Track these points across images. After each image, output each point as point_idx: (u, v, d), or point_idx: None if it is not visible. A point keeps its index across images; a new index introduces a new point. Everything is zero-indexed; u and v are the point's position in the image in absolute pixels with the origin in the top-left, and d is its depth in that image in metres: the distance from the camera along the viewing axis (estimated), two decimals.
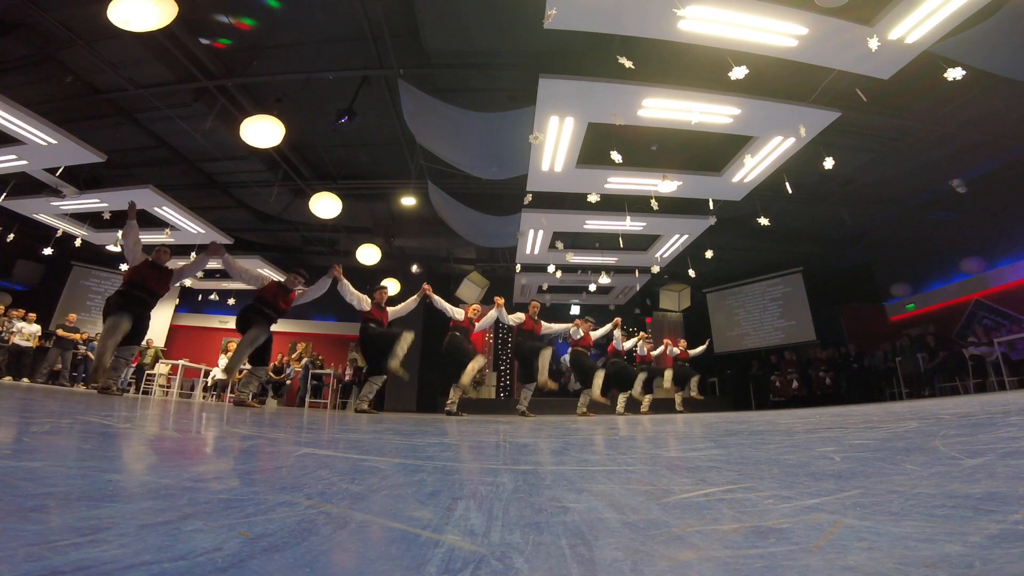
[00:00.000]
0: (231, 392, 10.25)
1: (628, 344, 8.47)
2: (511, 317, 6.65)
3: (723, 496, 0.77)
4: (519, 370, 7.54)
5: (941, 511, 0.62)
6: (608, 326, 7.89)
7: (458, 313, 6.31)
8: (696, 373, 9.34)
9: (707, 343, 10.43)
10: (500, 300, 6.44)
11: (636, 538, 0.55)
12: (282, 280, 5.46)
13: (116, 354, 4.74)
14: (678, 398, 9.19)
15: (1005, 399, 3.93)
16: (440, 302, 6.18)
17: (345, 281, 5.55)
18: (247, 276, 5.37)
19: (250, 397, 5.34)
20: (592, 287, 11.85)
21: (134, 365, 10.84)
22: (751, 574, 0.43)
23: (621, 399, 8.09)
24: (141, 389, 10.76)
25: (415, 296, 6.07)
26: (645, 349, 9.05)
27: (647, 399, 8.73)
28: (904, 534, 0.53)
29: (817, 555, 0.48)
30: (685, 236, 9.14)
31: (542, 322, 6.91)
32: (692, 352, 9.74)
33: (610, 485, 0.91)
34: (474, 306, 6.70)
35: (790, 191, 6.89)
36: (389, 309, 5.88)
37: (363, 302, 5.64)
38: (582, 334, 7.33)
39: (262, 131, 5.84)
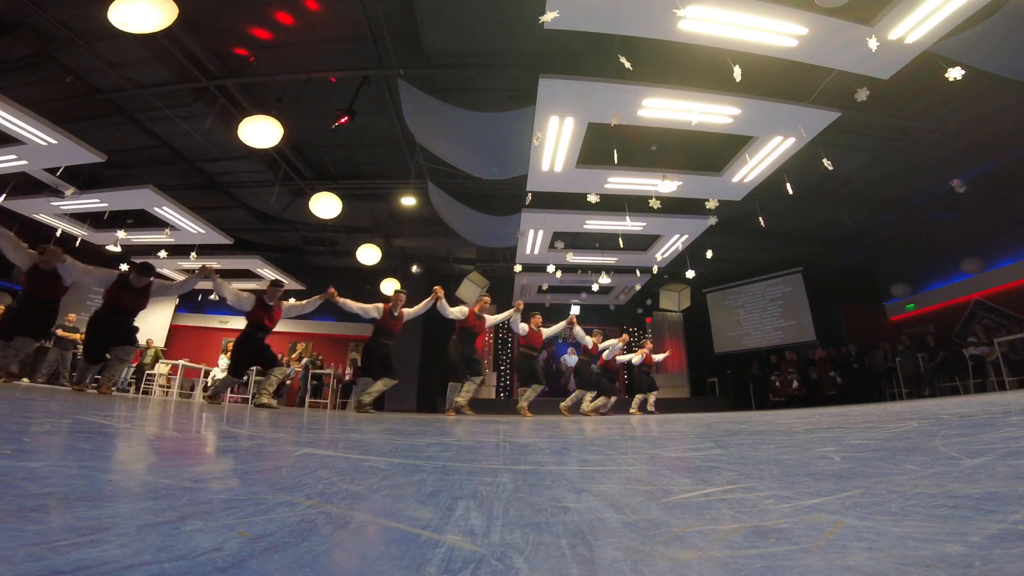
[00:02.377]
0: (231, 392, 10.25)
1: (603, 345, 8.03)
2: (453, 310, 6.26)
3: (723, 496, 0.77)
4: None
5: (941, 511, 0.62)
6: (562, 323, 7.26)
7: (460, 312, 6.22)
8: (656, 388, 8.84)
9: (667, 353, 10.06)
10: (439, 289, 6.05)
11: (636, 538, 0.55)
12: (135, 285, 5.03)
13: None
14: (635, 406, 8.62)
15: (1005, 399, 3.93)
16: (445, 306, 6.17)
17: (342, 300, 5.56)
18: (98, 279, 5.13)
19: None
20: (592, 287, 11.85)
21: (135, 365, 10.86)
22: (751, 574, 0.43)
23: (588, 401, 7.75)
24: (141, 389, 10.76)
25: (427, 301, 6.05)
26: (616, 353, 8.33)
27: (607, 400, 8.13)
28: (904, 534, 0.53)
29: (817, 555, 0.48)
30: (685, 236, 9.14)
31: (486, 316, 6.56)
32: (656, 358, 9.17)
33: (610, 485, 0.91)
34: (484, 301, 6.51)
35: (790, 191, 6.89)
36: (404, 311, 5.88)
37: (370, 311, 5.70)
38: (525, 330, 6.84)
39: (260, 131, 5.84)
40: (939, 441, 1.40)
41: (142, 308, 5.19)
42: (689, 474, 1.05)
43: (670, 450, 1.63)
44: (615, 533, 0.57)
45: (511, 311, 6.68)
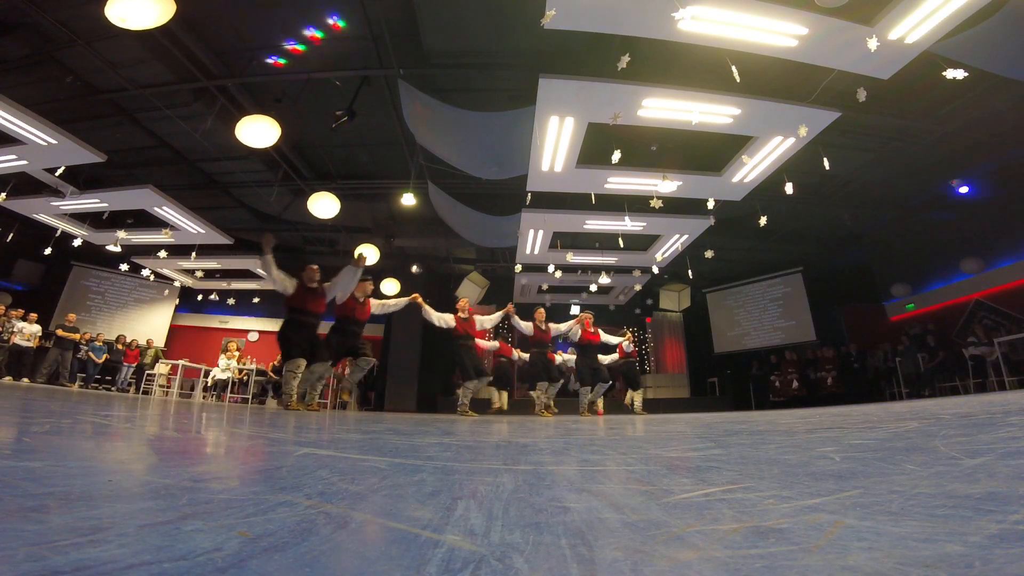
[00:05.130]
0: (231, 392, 10.25)
1: (557, 329, 7.05)
2: (435, 316, 6.24)
3: (723, 496, 0.77)
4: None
5: (941, 511, 0.62)
6: (499, 313, 6.77)
7: (449, 320, 6.22)
8: (640, 389, 8.03)
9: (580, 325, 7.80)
10: (418, 297, 5.95)
11: (636, 538, 0.55)
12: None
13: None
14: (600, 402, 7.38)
15: (1005, 399, 3.93)
16: (429, 312, 6.12)
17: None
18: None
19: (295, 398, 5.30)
20: (592, 287, 11.85)
21: (134, 364, 10.84)
22: (751, 574, 0.43)
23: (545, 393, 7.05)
24: (141, 389, 10.76)
25: (405, 299, 5.97)
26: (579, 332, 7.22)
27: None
28: (904, 534, 0.53)
29: (817, 555, 0.48)
30: (685, 236, 9.14)
31: (475, 319, 6.53)
32: (555, 330, 7.28)
33: (610, 485, 0.91)
34: (462, 303, 6.49)
35: (791, 191, 6.89)
36: (372, 301, 5.67)
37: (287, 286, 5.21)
38: (466, 315, 6.50)
39: (258, 131, 5.84)
40: (939, 441, 1.40)
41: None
42: (689, 474, 1.05)
43: (670, 450, 1.63)
44: (615, 533, 0.57)
45: (502, 313, 6.65)
